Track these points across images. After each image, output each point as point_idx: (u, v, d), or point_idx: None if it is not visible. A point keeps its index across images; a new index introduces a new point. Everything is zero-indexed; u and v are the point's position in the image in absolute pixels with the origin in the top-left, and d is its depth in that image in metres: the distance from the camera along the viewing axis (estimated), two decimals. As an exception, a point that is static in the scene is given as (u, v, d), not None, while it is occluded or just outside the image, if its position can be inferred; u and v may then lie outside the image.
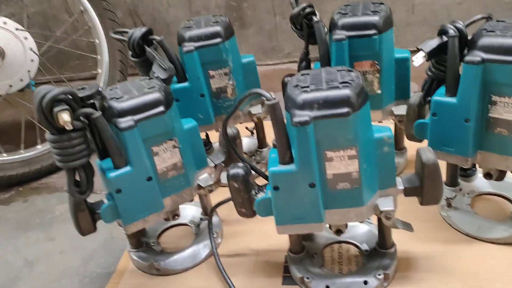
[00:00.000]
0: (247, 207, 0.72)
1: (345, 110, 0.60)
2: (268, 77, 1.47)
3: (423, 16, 1.47)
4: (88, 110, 0.67)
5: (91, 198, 0.73)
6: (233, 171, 0.70)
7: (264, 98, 0.62)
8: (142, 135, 0.70)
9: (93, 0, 1.24)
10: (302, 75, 0.66)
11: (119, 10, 1.53)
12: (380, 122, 0.96)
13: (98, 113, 0.67)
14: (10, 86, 1.20)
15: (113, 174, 0.70)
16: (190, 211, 0.97)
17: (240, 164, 0.71)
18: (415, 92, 0.83)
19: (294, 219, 0.67)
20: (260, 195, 0.71)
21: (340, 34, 0.83)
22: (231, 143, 0.79)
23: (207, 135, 1.16)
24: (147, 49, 0.87)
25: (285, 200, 0.65)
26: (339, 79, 0.62)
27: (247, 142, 1.19)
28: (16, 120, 1.38)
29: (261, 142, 1.10)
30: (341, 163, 0.64)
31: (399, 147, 1.03)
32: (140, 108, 0.70)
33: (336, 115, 0.60)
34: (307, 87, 0.62)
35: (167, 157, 0.75)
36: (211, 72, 0.93)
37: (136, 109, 0.70)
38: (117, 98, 0.71)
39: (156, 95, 0.72)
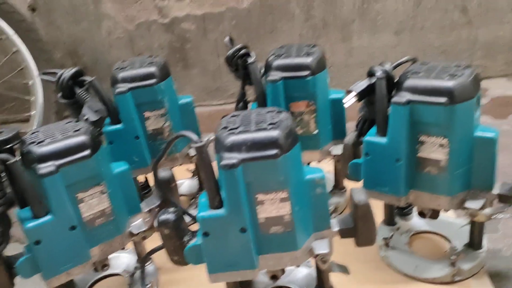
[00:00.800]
0: (180, 254, 0.68)
1: (273, 152, 0.59)
2: (212, 118, 1.46)
3: (361, 58, 1.52)
4: (3, 156, 0.62)
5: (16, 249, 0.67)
6: (162, 217, 0.67)
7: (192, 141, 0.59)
8: (65, 181, 0.66)
9: (27, 40, 1.19)
10: (232, 116, 0.65)
11: (58, 50, 1.49)
12: (319, 162, 0.96)
13: (13, 159, 0.62)
14: None
15: (30, 224, 0.65)
16: (124, 260, 0.91)
17: (171, 209, 0.68)
18: (351, 132, 0.84)
19: (226, 266, 0.64)
20: (193, 242, 0.67)
21: (274, 75, 0.84)
22: (162, 186, 0.75)
23: (146, 179, 1.12)
24: (77, 90, 0.84)
25: (216, 246, 0.62)
26: (268, 121, 0.62)
27: (188, 184, 1.15)
28: None
29: (338, 182, 1.06)
30: (273, 206, 0.62)
31: (339, 187, 1.03)
32: (62, 152, 0.66)
33: (264, 157, 0.59)
34: (235, 128, 0.61)
35: (94, 203, 0.71)
36: (147, 114, 0.91)
37: (58, 153, 0.66)
38: (38, 142, 0.67)
39: (81, 138, 0.68)
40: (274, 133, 0.59)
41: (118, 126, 0.88)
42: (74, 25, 1.46)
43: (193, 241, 0.67)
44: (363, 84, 0.75)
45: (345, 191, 1.03)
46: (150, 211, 0.81)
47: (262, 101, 0.87)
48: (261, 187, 0.61)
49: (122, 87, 0.86)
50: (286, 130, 0.60)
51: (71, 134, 0.68)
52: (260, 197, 0.61)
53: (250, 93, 0.91)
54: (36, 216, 0.66)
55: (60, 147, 0.66)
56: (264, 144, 0.59)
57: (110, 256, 0.90)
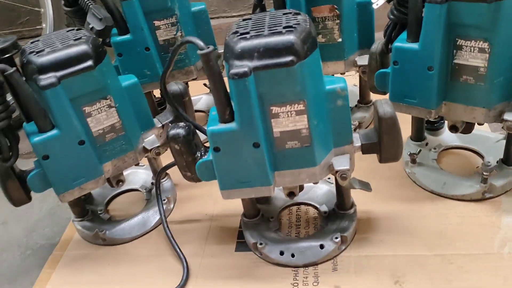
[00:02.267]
0: (192, 170, 0.66)
1: (289, 58, 0.52)
2: (232, 30, 1.38)
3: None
4: (0, 65, 0.58)
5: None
6: (172, 131, 0.63)
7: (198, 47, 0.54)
8: (68, 94, 0.62)
9: None
10: (244, 20, 0.58)
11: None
12: (342, 74, 0.89)
13: (11, 69, 0.58)
14: None
15: (36, 138, 0.62)
16: (142, 176, 0.90)
17: (181, 124, 0.64)
18: (378, 41, 0.76)
19: (239, 182, 0.61)
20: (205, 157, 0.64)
21: (294, -25, 0.75)
22: (171, 100, 0.71)
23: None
24: (80, -3, 0.78)
25: (228, 162, 0.59)
26: (283, 24, 0.55)
27: (206, 99, 1.11)
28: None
29: (364, 96, 0.99)
30: (289, 120, 0.57)
31: (365, 101, 0.96)
32: (63, 62, 0.62)
33: (279, 64, 0.53)
34: (247, 33, 0.54)
35: (102, 118, 0.68)
36: (156, 23, 0.84)
37: (58, 64, 0.62)
38: (37, 52, 0.62)
39: (82, 48, 0.63)
40: (289, 37, 0.52)
41: (127, 36, 0.82)
42: None
43: (205, 157, 0.64)
44: (394, -19, 0.65)
45: (371, 106, 0.96)
46: (163, 126, 0.78)
47: (280, 6, 0.78)
48: (276, 99, 0.55)
49: (128, -7, 0.79)
50: (303, 33, 0.53)
51: (72, 43, 0.63)
52: (274, 109, 0.56)
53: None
54: (42, 130, 0.63)
55: (60, 57, 0.62)
56: (278, 50, 0.52)
57: (127, 172, 0.91)
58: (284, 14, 0.58)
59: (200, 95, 1.12)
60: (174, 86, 0.76)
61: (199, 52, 0.53)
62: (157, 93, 1.06)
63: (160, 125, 0.78)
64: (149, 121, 0.76)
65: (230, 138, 0.57)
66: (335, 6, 0.78)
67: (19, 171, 0.68)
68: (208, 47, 0.53)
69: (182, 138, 0.63)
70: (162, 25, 0.84)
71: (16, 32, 1.51)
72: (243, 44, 0.53)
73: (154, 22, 0.84)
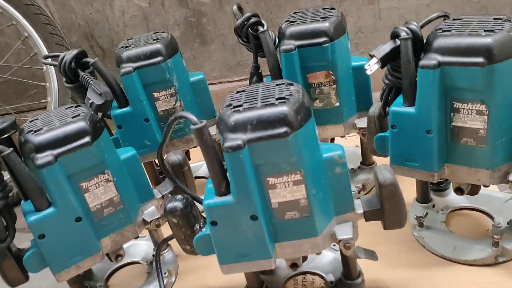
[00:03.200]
0: (191, 243, 0.64)
1: (282, 130, 0.52)
2: (234, 94, 1.40)
3: (391, 21, 1.40)
4: (-3, 147, 0.59)
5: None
6: (170, 205, 0.62)
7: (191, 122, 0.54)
8: (65, 171, 0.62)
9: (37, 25, 1.16)
10: (238, 92, 0.59)
11: (74, 33, 1.46)
12: (343, 137, 0.89)
13: (8, 150, 0.59)
14: None
15: (32, 218, 0.62)
16: (142, 247, 0.88)
17: (179, 197, 0.63)
18: (376, 103, 0.76)
19: (238, 256, 0.59)
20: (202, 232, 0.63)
21: (288, 44, 0.76)
22: (169, 173, 0.70)
23: (163, 161, 1.08)
24: (80, 73, 0.80)
25: (226, 236, 0.57)
26: (276, 95, 0.55)
27: (208, 166, 1.10)
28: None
29: (366, 157, 0.98)
30: (286, 190, 0.56)
31: (367, 162, 0.95)
32: (60, 140, 0.62)
33: (273, 136, 0.52)
34: (240, 106, 0.54)
35: (100, 193, 0.67)
36: (156, 94, 0.85)
37: (56, 142, 0.62)
38: (35, 131, 0.63)
39: (80, 125, 0.64)
40: (282, 109, 0.52)
41: (126, 109, 0.84)
42: (87, 6, 1.42)
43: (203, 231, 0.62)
44: (386, 47, 0.66)
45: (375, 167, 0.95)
46: (163, 197, 0.77)
47: (276, 74, 0.79)
48: (272, 170, 0.55)
49: (127, 67, 0.81)
50: (296, 104, 0.53)
51: (70, 120, 0.64)
52: (271, 180, 0.55)
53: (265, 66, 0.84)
54: (38, 209, 0.62)
55: (57, 135, 0.62)
56: (271, 122, 0.52)
57: (127, 244, 0.89)
58: (277, 85, 0.58)
59: (202, 162, 1.12)
60: (173, 157, 0.76)
61: (192, 127, 0.53)
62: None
63: (160, 195, 0.77)
64: (148, 193, 0.76)
65: (227, 212, 0.55)
66: (331, 72, 0.79)
67: (15, 250, 0.67)
68: (201, 122, 0.53)
69: (180, 212, 0.61)
70: (161, 96, 0.85)
71: (24, 105, 1.56)
72: (236, 117, 0.53)
73: (153, 93, 0.85)
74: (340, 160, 0.57)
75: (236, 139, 0.52)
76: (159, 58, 0.82)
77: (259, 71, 0.85)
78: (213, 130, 0.92)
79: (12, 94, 1.58)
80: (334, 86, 0.80)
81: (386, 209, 0.59)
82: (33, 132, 0.63)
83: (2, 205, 0.61)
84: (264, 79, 0.86)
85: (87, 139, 0.63)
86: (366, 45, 1.40)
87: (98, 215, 0.67)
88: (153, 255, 0.84)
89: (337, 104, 0.82)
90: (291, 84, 0.58)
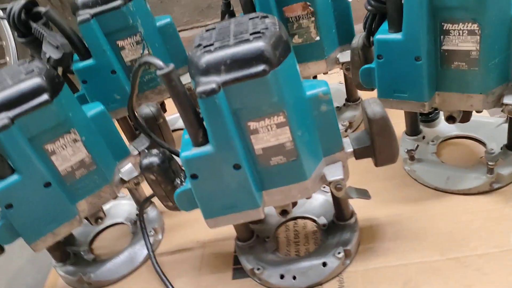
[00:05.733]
0: (173, 200, 0.60)
1: (260, 68, 0.47)
2: (207, 39, 1.32)
3: None
4: None
5: None
6: (145, 161, 0.57)
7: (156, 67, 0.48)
8: (25, 134, 0.56)
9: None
10: (207, 31, 0.53)
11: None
12: (325, 74, 0.84)
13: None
14: None
15: (-3, 186, 0.57)
16: (125, 207, 0.84)
17: (154, 151, 0.58)
18: (359, 33, 0.71)
19: (224, 208, 0.55)
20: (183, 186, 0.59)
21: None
22: (142, 126, 0.65)
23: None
24: (33, 25, 0.72)
25: (208, 188, 0.53)
26: (250, 30, 0.49)
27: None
28: None
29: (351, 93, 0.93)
30: (270, 134, 0.51)
31: (353, 99, 0.91)
32: (15, 100, 0.56)
33: (250, 76, 0.47)
34: (211, 45, 0.49)
35: (68, 154, 0.62)
36: (120, 43, 0.78)
37: (10, 102, 0.55)
38: (-17, 92, 0.56)
39: (35, 81, 0.57)
40: (258, 44, 0.47)
41: (89, 61, 0.76)
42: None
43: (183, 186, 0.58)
44: (368, -32, 0.60)
45: (360, 103, 0.91)
46: (140, 153, 0.72)
47: (249, 10, 0.73)
48: (252, 113, 0.50)
49: (84, 14, 0.73)
50: (273, 38, 0.48)
51: (23, 77, 0.57)
52: (252, 125, 0.51)
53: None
54: (0, 178, 0.57)
55: (11, 95, 0.56)
56: (247, 60, 0.47)
57: (109, 205, 0.85)
58: (250, 19, 0.52)
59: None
60: (146, 109, 0.71)
61: (158, 72, 0.47)
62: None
63: (137, 152, 0.72)
64: (123, 150, 0.71)
65: (207, 163, 0.51)
66: (308, 3, 0.72)
67: (-14, 222, 0.62)
68: (168, 66, 0.47)
69: (157, 167, 0.57)
70: (126, 44, 0.78)
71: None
72: (207, 58, 0.47)
73: (117, 42, 0.78)
74: (325, 97, 0.53)
75: (209, 82, 0.47)
76: (119, 2, 0.74)
77: (231, 9, 0.78)
78: (187, 79, 0.86)
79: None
80: (313, 19, 0.74)
81: (377, 145, 0.55)
82: (-19, 93, 0.56)
83: (-39, 176, 0.56)
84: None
85: (45, 96, 0.57)
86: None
87: (70, 178, 0.62)
88: (136, 215, 0.80)
89: (317, 38, 0.76)
90: (266, 17, 0.52)
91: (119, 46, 0.78)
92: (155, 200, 0.79)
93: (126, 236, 0.79)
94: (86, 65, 0.76)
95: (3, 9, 0.77)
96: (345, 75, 0.87)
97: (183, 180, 0.59)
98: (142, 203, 0.73)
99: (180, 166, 0.60)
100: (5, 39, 1.10)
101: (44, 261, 0.81)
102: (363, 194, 0.62)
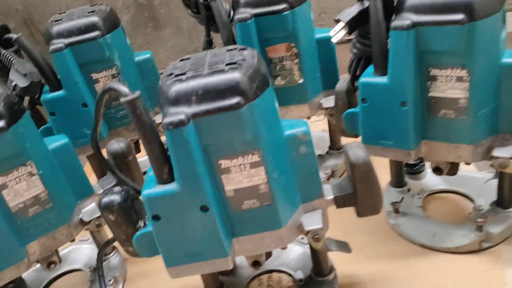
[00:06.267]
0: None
1: (234, 100, 0.43)
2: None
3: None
4: None
5: None
6: (105, 199, 0.52)
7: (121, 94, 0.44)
8: (-25, 163, 0.51)
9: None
10: (181, 60, 0.49)
11: (11, 19, 1.32)
12: (308, 118, 0.80)
13: None
14: None
15: None
16: (85, 252, 0.77)
17: (117, 189, 0.53)
18: (343, 77, 0.69)
19: (188, 256, 0.49)
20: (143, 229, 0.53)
21: (243, 12, 0.67)
22: (105, 160, 0.60)
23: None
24: (2, 51, 0.68)
25: (171, 232, 0.48)
26: (226, 61, 0.46)
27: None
28: None
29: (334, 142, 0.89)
30: (242, 174, 0.47)
31: (336, 146, 0.87)
32: (-34, 126, 0.51)
33: (223, 108, 0.43)
34: (183, 74, 0.45)
35: (22, 189, 0.56)
36: (94, 75, 0.74)
37: (-40, 128, 0.51)
38: None
39: (-10, 109, 0.52)
40: (233, 75, 0.43)
41: (59, 92, 0.72)
42: (25, -11, 1.29)
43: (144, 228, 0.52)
44: (353, 10, 0.58)
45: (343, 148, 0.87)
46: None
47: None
48: (224, 151, 0.45)
49: (58, 43, 0.70)
50: (251, 70, 0.44)
51: (-22, 103, 0.53)
52: (223, 163, 0.46)
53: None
54: None
55: (-37, 120, 0.51)
56: (220, 91, 0.43)
57: (67, 249, 0.78)
58: (228, 50, 0.49)
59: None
60: (115, 145, 0.65)
61: (122, 99, 0.43)
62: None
63: (102, 190, 0.67)
64: (86, 188, 0.65)
65: (171, 203, 0.46)
66: (292, 44, 0.70)
67: None
68: (134, 93, 0.43)
69: (117, 206, 0.51)
70: (101, 77, 0.75)
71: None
72: (178, 87, 0.44)
73: (91, 75, 0.74)
74: (304, 137, 0.49)
75: (178, 113, 0.43)
76: (96, 33, 0.71)
77: (213, 46, 0.76)
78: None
79: None
80: (296, 61, 0.72)
81: (359, 193, 0.51)
82: None
83: None
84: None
85: (1, 123, 0.52)
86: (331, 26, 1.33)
87: (21, 216, 0.56)
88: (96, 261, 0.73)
89: (301, 81, 0.73)
90: (244, 49, 0.49)
91: (93, 78, 0.74)
92: (118, 245, 0.73)
93: (83, 284, 0.72)
94: (56, 96, 0.72)
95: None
96: (329, 122, 0.84)
97: (146, 222, 0.54)
98: (102, 248, 0.66)
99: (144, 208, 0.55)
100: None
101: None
102: (343, 247, 0.56)
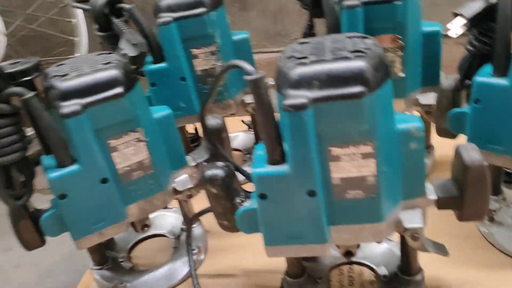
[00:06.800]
0: (229, 219, 0.55)
1: (357, 89, 0.42)
2: (271, 66, 1.30)
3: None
4: (16, 89, 0.51)
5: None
6: (209, 172, 0.54)
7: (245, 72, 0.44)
8: (93, 124, 0.54)
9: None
10: (300, 43, 0.49)
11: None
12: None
13: (29, 94, 0.51)
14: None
15: (54, 174, 0.54)
16: (169, 219, 0.81)
17: (220, 164, 0.54)
18: (446, 76, 0.66)
19: (288, 238, 0.50)
20: (247, 203, 0.54)
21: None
22: (211, 136, 0.62)
23: (195, 129, 1.00)
24: (114, 20, 0.71)
25: (276, 212, 0.48)
26: (349, 47, 0.45)
27: (243, 137, 1.02)
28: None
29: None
30: (352, 164, 0.46)
31: (426, 145, 0.85)
32: (89, 88, 0.54)
33: (345, 96, 0.43)
34: (305, 58, 0.45)
35: (129, 153, 0.59)
36: (195, 51, 0.76)
37: (84, 90, 0.54)
38: (62, 76, 0.55)
39: (112, 73, 0.55)
40: (359, 64, 0.43)
41: (162, 65, 0.75)
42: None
43: (247, 204, 0.53)
44: (476, 5, 0.56)
45: (432, 151, 0.85)
46: (197, 165, 0.69)
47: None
48: (338, 138, 0.45)
49: (167, 16, 0.72)
50: (376, 59, 0.44)
51: (101, 67, 0.56)
52: (335, 151, 0.46)
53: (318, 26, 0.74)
54: (60, 165, 0.55)
55: (86, 83, 0.54)
56: (344, 79, 0.43)
57: (152, 215, 0.81)
58: (348, 37, 0.48)
59: (237, 133, 1.03)
60: (212, 121, 0.67)
61: (247, 77, 0.44)
62: (189, 128, 0.98)
63: (194, 163, 0.69)
64: (181, 159, 0.67)
65: (280, 184, 0.47)
66: (398, 36, 0.68)
67: (33, 210, 0.59)
68: (258, 72, 0.44)
69: (221, 181, 0.53)
70: (201, 53, 0.76)
71: (50, 63, 1.49)
72: (301, 70, 0.44)
73: (191, 50, 0.76)
74: (418, 133, 0.47)
75: (299, 96, 0.43)
76: (202, 10, 0.73)
77: (313, 31, 0.75)
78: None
79: (38, 52, 1.51)
80: (400, 53, 0.69)
81: (468, 197, 0.49)
82: (59, 77, 0.54)
83: (20, 157, 0.53)
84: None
85: (119, 89, 0.55)
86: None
87: (126, 178, 0.59)
88: (181, 229, 0.77)
89: (402, 74, 0.71)
90: (366, 37, 0.48)
91: (193, 54, 0.76)
92: (202, 217, 0.75)
93: (167, 249, 0.75)
94: (158, 67, 0.75)
95: (84, 1, 0.77)
96: (422, 118, 0.81)
97: (243, 199, 0.55)
98: (192, 218, 0.69)
99: (240, 185, 0.56)
100: (79, 35, 1.12)
101: (79, 261, 0.79)
102: (441, 249, 0.55)
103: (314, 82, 0.43)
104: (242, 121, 1.02)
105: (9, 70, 0.51)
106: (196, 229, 0.76)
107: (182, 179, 0.67)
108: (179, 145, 0.67)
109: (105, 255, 0.71)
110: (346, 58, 0.43)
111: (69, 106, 0.52)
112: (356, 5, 0.65)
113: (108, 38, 0.74)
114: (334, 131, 0.45)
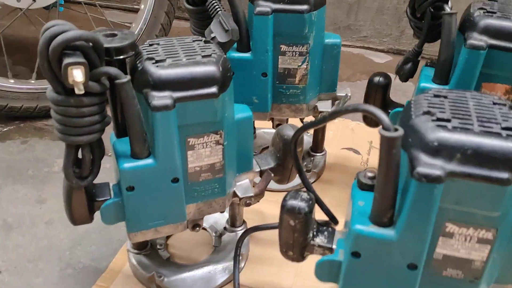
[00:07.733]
0: (296, 251, 0.52)
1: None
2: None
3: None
4: (113, 70, 0.46)
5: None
6: (293, 203, 0.49)
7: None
8: (179, 120, 0.50)
9: None
10: (435, 96, 0.44)
11: None
12: (302, 120, 0.81)
13: (126, 78, 0.46)
14: (34, 0, 1.00)
15: (127, 165, 0.50)
16: (214, 215, 0.76)
17: (305, 196, 0.50)
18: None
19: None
20: (319, 240, 0.50)
21: (478, 39, 0.59)
22: (297, 158, 0.56)
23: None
24: (209, -1, 0.65)
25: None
26: (499, 120, 0.40)
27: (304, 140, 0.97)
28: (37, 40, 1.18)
29: (317, 145, 0.88)
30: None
31: (320, 149, 0.87)
32: (185, 82, 0.49)
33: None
34: (447, 120, 0.40)
35: (204, 154, 0.54)
36: (284, 47, 0.70)
37: (179, 82, 0.49)
38: (157, 61, 0.49)
39: (211, 70, 0.50)
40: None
41: (247, 55, 0.69)
42: None
43: (318, 240, 0.50)
44: None
45: (325, 154, 0.88)
46: (261, 172, 0.64)
47: (445, 70, 0.62)
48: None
49: (265, 6, 0.66)
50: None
51: (199, 60, 0.50)
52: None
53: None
54: (135, 156, 0.50)
55: (183, 75, 0.49)
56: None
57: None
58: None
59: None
60: (288, 131, 0.62)
61: (383, 133, 0.38)
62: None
63: (259, 169, 0.64)
64: (248, 163, 0.63)
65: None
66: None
67: (90, 186, 0.55)
68: (397, 130, 0.38)
69: (303, 216, 0.49)
70: (289, 51, 0.71)
71: (113, 4, 1.42)
72: (442, 136, 0.38)
73: (281, 46, 0.70)
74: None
75: (434, 166, 0.38)
76: (305, 7, 0.66)
77: (418, 59, 0.69)
78: (325, 106, 0.78)
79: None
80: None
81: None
82: (154, 61, 0.49)
83: (97, 138, 0.49)
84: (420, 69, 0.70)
85: (214, 89, 0.50)
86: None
87: (193, 178, 0.55)
88: (224, 228, 0.73)
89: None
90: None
91: (281, 50, 0.70)
92: (247, 219, 0.72)
93: (205, 245, 0.72)
94: (243, 57, 0.69)
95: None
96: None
97: (314, 234, 0.51)
98: (246, 232, 0.65)
99: (316, 220, 0.52)
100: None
101: (113, 235, 0.75)
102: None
103: (456, 154, 0.38)
104: (301, 119, 0.97)
105: (107, 45, 0.46)
106: (240, 232, 0.72)
107: (243, 185, 0.63)
108: (250, 149, 0.62)
109: (145, 241, 0.68)
110: (496, 135, 0.38)
111: (161, 98, 0.48)
112: (482, 47, 0.58)
113: (196, 13, 0.67)
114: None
